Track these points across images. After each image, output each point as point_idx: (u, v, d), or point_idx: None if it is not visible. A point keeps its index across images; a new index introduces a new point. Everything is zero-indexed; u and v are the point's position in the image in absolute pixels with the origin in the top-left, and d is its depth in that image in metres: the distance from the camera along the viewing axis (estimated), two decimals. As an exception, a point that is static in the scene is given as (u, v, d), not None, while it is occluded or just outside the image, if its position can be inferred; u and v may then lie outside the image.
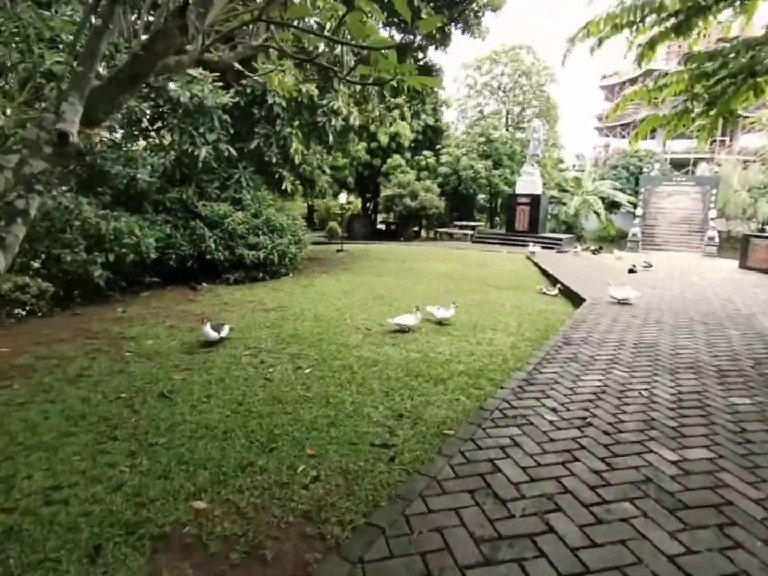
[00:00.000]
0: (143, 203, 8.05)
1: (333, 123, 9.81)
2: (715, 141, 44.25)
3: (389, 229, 25.93)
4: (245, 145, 9.48)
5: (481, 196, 24.91)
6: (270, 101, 9.09)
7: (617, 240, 26.72)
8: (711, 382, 4.15)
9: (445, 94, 26.63)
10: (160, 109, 8.10)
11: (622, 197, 24.26)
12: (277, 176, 9.83)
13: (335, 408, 3.64)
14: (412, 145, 24.15)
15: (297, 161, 9.60)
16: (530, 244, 15.28)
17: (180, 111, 8.02)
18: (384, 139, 21.56)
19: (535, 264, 13.14)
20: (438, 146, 24.06)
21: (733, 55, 4.92)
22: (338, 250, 15.45)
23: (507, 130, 24.31)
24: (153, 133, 8.85)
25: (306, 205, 32.62)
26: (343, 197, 15.35)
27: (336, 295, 7.97)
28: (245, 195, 9.15)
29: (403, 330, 5.89)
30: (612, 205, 27.99)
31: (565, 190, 24.97)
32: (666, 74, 5.19)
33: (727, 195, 28.82)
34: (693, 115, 5.85)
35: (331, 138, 10.18)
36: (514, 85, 25.18)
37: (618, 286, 7.98)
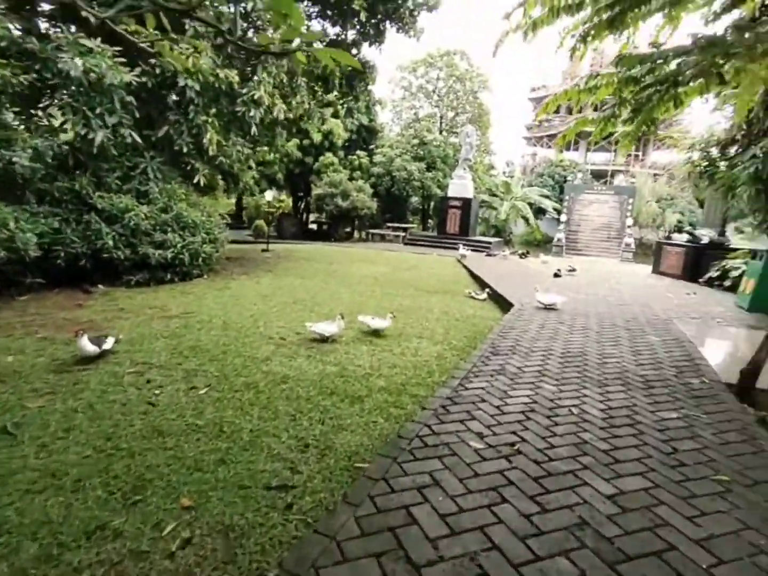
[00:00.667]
0: (25, 192, 6.93)
1: (253, 114, 9.07)
2: (630, 155, 47.57)
3: (321, 229, 25.24)
4: (154, 133, 8.52)
5: (414, 199, 24.87)
6: (182, 84, 8.22)
7: (543, 244, 27.77)
8: (639, 395, 3.98)
9: (380, 94, 26.40)
10: (47, 83, 7.02)
11: (547, 204, 25.17)
12: (189, 168, 8.93)
13: (229, 439, 3.05)
14: (346, 144, 23.66)
15: (212, 152, 8.76)
16: (460, 246, 15.24)
17: (72, 87, 6.99)
18: (317, 137, 20.89)
19: (465, 267, 13.07)
20: (372, 146, 23.72)
21: (660, 61, 4.87)
22: (263, 250, 14.63)
23: (441, 133, 24.45)
24: (40, 112, 7.71)
25: (233, 201, 31.23)
26: (269, 194, 14.53)
27: (252, 300, 7.29)
28: (152, 187, 8.19)
29: (322, 339, 5.36)
30: (539, 211, 29.05)
31: (495, 195, 25.51)
32: (597, 75, 5.07)
33: (639, 205, 30.84)
34: (619, 120, 5.82)
35: (254, 130, 9.43)
36: (448, 89, 25.40)
37: (544, 291, 7.92)
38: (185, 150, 8.52)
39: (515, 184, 25.07)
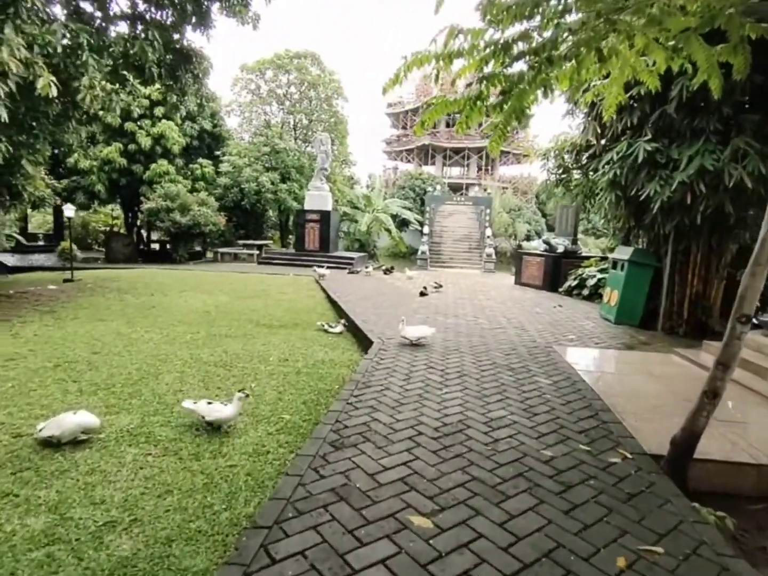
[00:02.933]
0: None
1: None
2: (481, 169, 50.80)
3: (164, 249, 21.68)
4: None
5: (272, 213, 22.67)
6: None
7: (408, 256, 27.40)
8: (554, 506, 2.52)
9: (226, 97, 23.77)
10: None
11: (409, 215, 24.77)
12: None
13: None
14: (187, 151, 20.68)
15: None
16: (315, 267, 13.53)
17: None
18: (145, 141, 17.69)
19: (323, 289, 11.36)
20: (218, 154, 21.02)
21: (539, 20, 3.63)
22: (66, 280, 11.37)
23: (295, 141, 22.62)
24: None
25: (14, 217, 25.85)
26: (69, 210, 11.31)
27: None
28: None
29: (73, 440, 3.19)
30: (402, 223, 28.74)
31: (357, 207, 24.41)
32: (461, 31, 3.67)
33: (492, 215, 32.42)
34: (487, 104, 4.57)
35: (2, 115, 6.62)
36: (301, 95, 23.65)
37: (410, 323, 6.49)
38: None
39: (376, 196, 24.22)
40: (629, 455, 3.11)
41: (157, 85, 12.54)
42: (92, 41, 8.36)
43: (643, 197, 6.99)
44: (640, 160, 6.88)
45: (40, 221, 30.51)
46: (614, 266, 8.85)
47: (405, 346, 5.86)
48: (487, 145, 5.66)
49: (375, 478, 2.74)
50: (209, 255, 21.49)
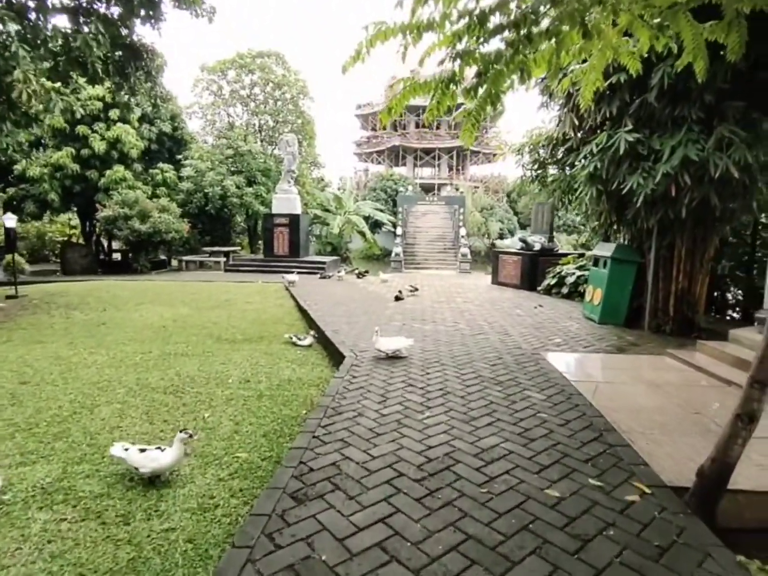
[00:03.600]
0: None
1: None
2: (452, 169, 50.78)
3: (126, 259, 20.54)
4: None
5: (240, 218, 21.81)
6: None
7: (382, 258, 26.89)
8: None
9: (182, 97, 22.76)
10: None
11: (382, 216, 24.26)
12: None
13: None
14: (147, 156, 19.70)
15: None
16: (283, 275, 12.87)
17: None
18: (99, 146, 16.66)
19: (293, 297, 10.72)
20: (180, 158, 20.07)
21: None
22: (9, 296, 10.41)
23: (261, 143, 21.81)
24: None
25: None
26: (10, 219, 10.36)
27: None
28: None
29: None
30: (375, 225, 28.21)
31: (327, 210, 23.76)
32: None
33: (465, 216, 32.26)
34: (460, 88, 4.08)
35: None
36: (266, 96, 22.80)
37: (386, 335, 5.96)
38: None
39: (347, 197, 23.61)
40: (647, 490, 2.63)
41: (108, 85, 11.69)
42: (24, 31, 7.57)
43: (625, 191, 6.64)
44: (621, 151, 6.51)
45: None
46: (596, 263, 8.51)
47: (380, 360, 5.31)
48: (459, 140, 5.18)
49: (346, 545, 2.18)
50: (174, 264, 20.51)
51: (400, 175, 41.43)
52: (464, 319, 8.06)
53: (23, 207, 17.04)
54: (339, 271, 14.46)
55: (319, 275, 14.92)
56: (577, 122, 7.58)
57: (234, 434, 3.69)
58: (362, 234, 23.68)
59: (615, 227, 8.35)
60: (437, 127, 50.18)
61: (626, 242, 8.05)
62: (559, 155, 9.07)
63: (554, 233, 13.89)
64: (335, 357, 5.81)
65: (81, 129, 16.52)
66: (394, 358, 5.35)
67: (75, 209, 19.68)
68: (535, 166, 9.70)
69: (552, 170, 9.70)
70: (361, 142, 54.54)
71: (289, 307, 9.80)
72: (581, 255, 12.81)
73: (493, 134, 46.17)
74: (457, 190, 42.28)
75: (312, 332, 6.85)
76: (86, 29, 9.44)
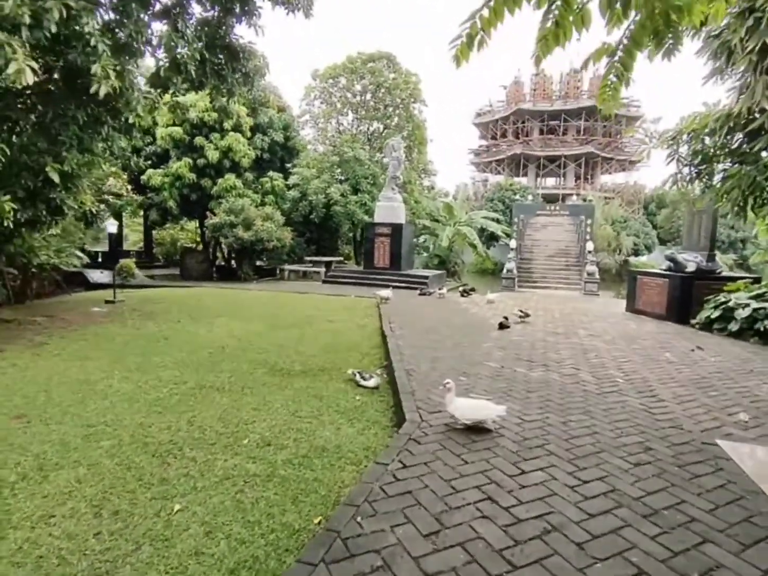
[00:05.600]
0: None
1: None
2: (579, 178, 46.33)
3: (231, 266, 21.02)
4: None
5: (347, 227, 21.26)
6: None
7: (497, 273, 24.60)
8: None
9: (292, 105, 22.89)
10: None
11: (496, 227, 22.10)
12: None
13: None
14: (259, 164, 20.03)
15: None
16: (375, 291, 11.58)
17: None
18: (213, 155, 17.09)
19: (381, 317, 9.36)
20: (289, 166, 20.09)
21: None
22: (108, 301, 10.50)
23: (371, 150, 21.08)
24: None
25: (142, 236, 26.69)
26: (112, 225, 10.48)
27: None
28: None
29: None
30: (491, 238, 26.06)
31: (437, 220, 22.27)
32: None
33: (593, 228, 28.66)
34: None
35: None
36: (376, 101, 22.08)
37: (469, 386, 4.24)
38: None
39: (458, 207, 21.88)
40: None
41: (208, 91, 11.51)
42: (98, 24, 7.21)
43: None
44: None
45: (136, 239, 32.02)
46: (795, 296, 5.87)
47: (453, 431, 3.62)
48: (598, 102, 3.34)
49: None
50: (284, 273, 20.53)
51: (520, 185, 38.56)
52: (588, 364, 5.96)
53: (148, 214, 18.06)
54: (440, 288, 12.84)
55: (419, 291, 13.44)
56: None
57: (190, 558, 2.31)
58: (474, 246, 21.76)
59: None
60: (564, 133, 46.20)
61: None
62: (734, 143, 6.60)
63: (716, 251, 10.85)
64: (399, 412, 4.24)
65: (198, 140, 17.08)
66: (476, 429, 3.62)
67: (195, 216, 20.59)
68: (697, 160, 7.21)
69: (722, 165, 7.15)
70: (480, 151, 52.34)
71: (373, 329, 8.44)
72: (755, 280, 9.73)
73: (630, 132, 41.07)
74: (584, 200, 38.23)
75: (379, 370, 5.37)
76: (186, 30, 9.10)
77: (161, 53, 9.26)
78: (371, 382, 5.15)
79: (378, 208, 16.36)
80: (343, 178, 19.93)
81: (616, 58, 2.88)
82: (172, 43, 8.78)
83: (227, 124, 17.20)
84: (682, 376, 5.55)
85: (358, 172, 18.80)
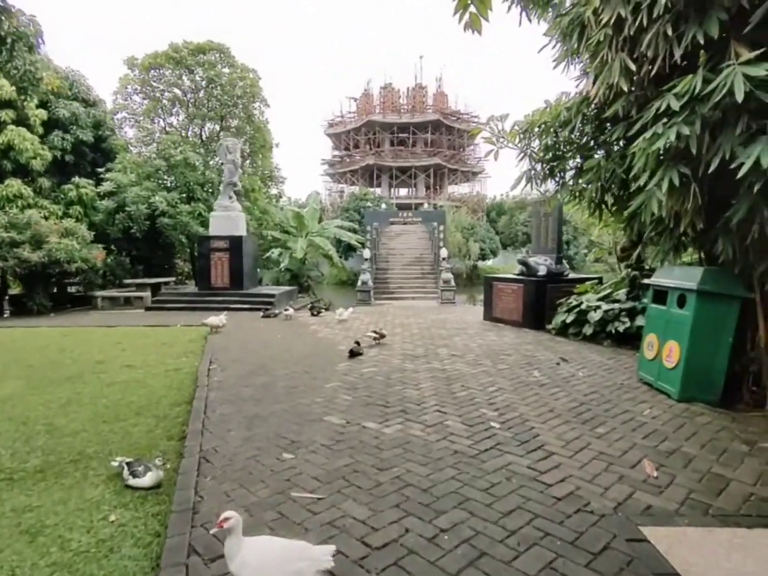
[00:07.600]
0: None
1: None
2: (429, 188, 48.24)
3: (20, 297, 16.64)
4: None
5: (178, 242, 18.29)
6: None
7: (355, 284, 23.57)
8: None
9: (105, 99, 19.30)
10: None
11: (351, 237, 21.01)
12: None
13: None
14: (63, 169, 16.26)
15: None
16: (204, 320, 9.42)
17: None
18: (-16, 154, 13.17)
19: (204, 354, 7.32)
20: (102, 171, 16.64)
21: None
22: None
23: (205, 153, 18.46)
24: None
25: None
26: None
27: None
28: None
29: None
30: (350, 248, 25.02)
31: (287, 232, 20.46)
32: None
33: (446, 234, 29.42)
34: None
35: None
36: (211, 98, 19.47)
37: (266, 526, 2.63)
38: None
39: (310, 216, 20.34)
40: None
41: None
42: None
43: (739, 173, 3.57)
44: (739, 99, 3.45)
45: None
46: (657, 299, 5.38)
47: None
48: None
49: None
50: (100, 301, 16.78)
51: (375, 195, 38.51)
52: (455, 400, 4.76)
53: None
54: (286, 309, 11.09)
55: (262, 313, 11.53)
56: (633, 67, 4.51)
57: None
58: (329, 258, 20.37)
59: (687, 239, 5.28)
60: (413, 145, 47.76)
61: (720, 265, 4.90)
62: (588, 132, 6.08)
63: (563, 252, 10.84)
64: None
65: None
66: None
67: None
68: (549, 155, 6.60)
69: (574, 162, 6.63)
70: (334, 161, 51.73)
71: (187, 373, 6.36)
72: (599, 280, 9.78)
73: (476, 132, 44.00)
74: (435, 207, 39.58)
75: (159, 459, 3.48)
76: None
77: None
78: (147, 479, 3.25)
79: (213, 219, 14.02)
80: (172, 185, 17.09)
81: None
82: None
83: (3, 115, 13.43)
84: (560, 404, 4.62)
85: (189, 179, 16.15)
